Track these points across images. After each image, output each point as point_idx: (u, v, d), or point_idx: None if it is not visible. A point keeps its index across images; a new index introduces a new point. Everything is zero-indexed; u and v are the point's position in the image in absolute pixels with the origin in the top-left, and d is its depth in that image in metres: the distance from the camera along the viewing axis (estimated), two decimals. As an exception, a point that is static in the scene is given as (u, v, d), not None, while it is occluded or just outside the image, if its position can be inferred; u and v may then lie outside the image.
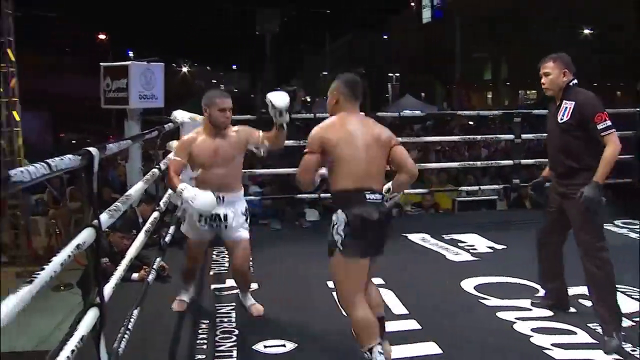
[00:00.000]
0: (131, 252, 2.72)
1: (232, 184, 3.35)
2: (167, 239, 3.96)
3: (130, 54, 39.16)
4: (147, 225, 3.20)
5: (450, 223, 6.07)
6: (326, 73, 50.66)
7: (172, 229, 4.20)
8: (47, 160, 1.53)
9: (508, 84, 34.93)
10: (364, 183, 2.58)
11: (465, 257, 4.77)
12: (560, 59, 3.32)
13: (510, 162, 6.50)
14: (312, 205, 6.78)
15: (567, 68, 3.30)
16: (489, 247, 5.05)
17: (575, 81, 3.31)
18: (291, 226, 5.93)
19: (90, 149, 1.90)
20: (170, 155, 3.47)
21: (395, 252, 4.91)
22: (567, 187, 3.26)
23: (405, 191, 6.94)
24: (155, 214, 3.49)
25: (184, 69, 48.58)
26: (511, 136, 6.40)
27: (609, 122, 3.15)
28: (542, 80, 3.35)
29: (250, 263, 3.70)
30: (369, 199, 2.56)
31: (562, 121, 3.25)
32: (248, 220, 3.43)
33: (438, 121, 19.59)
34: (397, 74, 50.22)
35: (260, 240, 5.08)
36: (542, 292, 3.69)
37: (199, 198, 3.07)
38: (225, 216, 3.32)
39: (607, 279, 3.14)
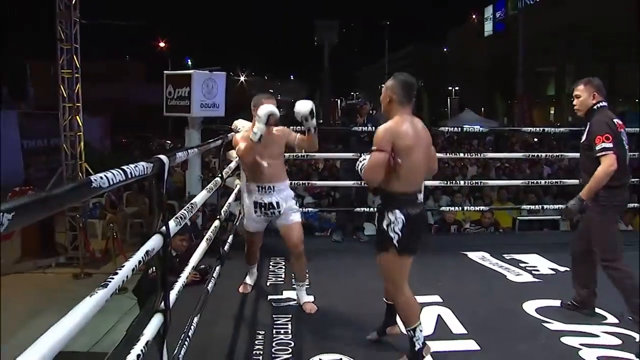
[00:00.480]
0: (194, 260, 2.79)
1: (279, 174, 3.80)
2: (226, 247, 4.04)
3: (189, 61, 40.24)
4: (209, 233, 3.27)
5: (510, 242, 5.94)
6: (384, 85, 50.90)
7: (230, 238, 4.28)
8: (123, 167, 1.59)
9: (572, 99, 34.12)
10: (418, 186, 2.87)
11: (527, 278, 4.66)
12: (591, 82, 3.64)
13: (575, 181, 6.28)
14: (370, 219, 6.78)
15: (597, 91, 3.61)
16: (552, 269, 4.92)
17: (603, 104, 3.60)
18: (351, 239, 5.94)
19: (161, 156, 1.96)
20: (237, 136, 3.86)
21: (453, 270, 4.90)
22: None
23: (465, 208, 6.88)
24: (216, 223, 3.57)
25: (242, 78, 49.61)
26: (577, 154, 6.22)
27: (606, 144, 3.45)
28: (574, 102, 3.69)
29: (307, 271, 3.94)
30: (419, 199, 2.85)
31: (582, 141, 3.63)
32: (297, 205, 3.87)
33: (498, 137, 19.22)
34: (457, 88, 49.70)
35: (320, 251, 5.12)
36: (610, 318, 3.66)
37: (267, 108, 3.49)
38: (278, 203, 3.76)
39: (625, 284, 3.47)
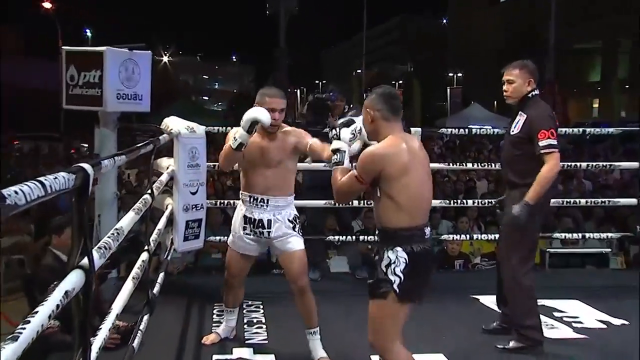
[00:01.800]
0: (116, 310, 2.81)
1: (279, 186, 4.06)
2: (156, 289, 4.07)
3: (88, 33, 39.38)
4: (135, 270, 3.30)
5: (539, 283, 6.03)
6: (360, 71, 51.24)
7: (161, 276, 4.31)
8: (41, 179, 1.64)
9: (627, 87, 34.17)
10: (423, 218, 3.14)
11: (565, 332, 4.77)
12: (526, 67, 4.26)
13: (632, 201, 6.40)
14: (341, 250, 6.88)
15: (532, 77, 4.25)
16: (601, 321, 5.04)
17: (536, 92, 4.30)
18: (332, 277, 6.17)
19: (84, 165, 2.01)
20: (231, 132, 4.15)
21: (461, 320, 5.03)
22: (506, 200, 4.35)
23: (474, 236, 7.02)
24: (144, 256, 3.60)
25: (165, 59, 49.02)
26: (634, 164, 6.37)
27: (552, 141, 4.08)
28: (505, 87, 4.30)
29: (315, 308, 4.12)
30: (427, 234, 3.12)
31: (513, 133, 4.25)
32: (297, 229, 4.10)
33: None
34: (460, 74, 50.38)
35: (282, 297, 5.17)
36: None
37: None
38: (270, 222, 4.04)
39: (525, 302, 4.27)
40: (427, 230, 3.14)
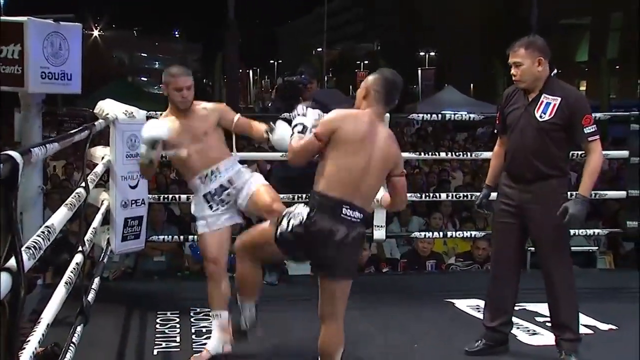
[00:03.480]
0: (48, 317, 2.80)
1: (217, 153, 4.37)
2: (91, 297, 4.05)
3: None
4: (68, 274, 3.29)
5: (519, 285, 6.18)
6: (321, 50, 51.13)
7: (96, 282, 4.29)
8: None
9: (617, 67, 34.60)
10: (347, 195, 3.45)
11: (548, 338, 4.79)
12: (532, 45, 4.20)
13: (621, 193, 6.46)
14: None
15: (541, 55, 4.18)
16: (588, 327, 5.07)
17: (555, 71, 4.29)
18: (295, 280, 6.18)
19: (12, 153, 2.00)
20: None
21: (434, 324, 5.12)
22: (533, 195, 4.23)
23: (449, 234, 7.10)
24: (78, 258, 3.58)
25: (95, 33, 48.30)
26: (624, 153, 6.40)
27: (595, 127, 4.16)
28: (512, 72, 4.26)
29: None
30: (344, 214, 3.44)
31: (543, 119, 4.16)
32: (249, 169, 4.49)
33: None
34: (433, 52, 50.61)
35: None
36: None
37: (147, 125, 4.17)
38: (230, 180, 4.34)
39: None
40: (347, 210, 3.44)
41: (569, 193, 4.35)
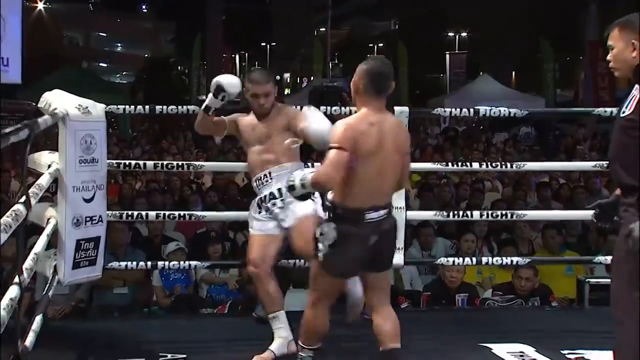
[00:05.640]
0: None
1: (277, 159, 5.21)
2: (29, 341, 4.02)
3: None
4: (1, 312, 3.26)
5: (576, 326, 6.16)
6: (325, 30, 50.87)
7: (38, 321, 4.26)
8: None
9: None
10: (369, 201, 4.27)
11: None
12: (629, 25, 4.06)
13: None
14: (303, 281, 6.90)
15: (638, 38, 3.99)
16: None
17: None
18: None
19: None
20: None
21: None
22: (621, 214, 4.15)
23: (484, 261, 7.05)
24: (13, 292, 3.55)
25: (40, 5, 48.00)
26: None
27: None
28: (608, 57, 4.18)
29: None
30: (368, 219, 4.26)
31: (624, 115, 4.03)
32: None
33: (545, 128, 19.70)
34: (465, 33, 50.31)
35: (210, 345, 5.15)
36: None
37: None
38: (280, 190, 5.14)
39: None
40: (374, 213, 4.29)
41: None
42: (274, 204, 5.21)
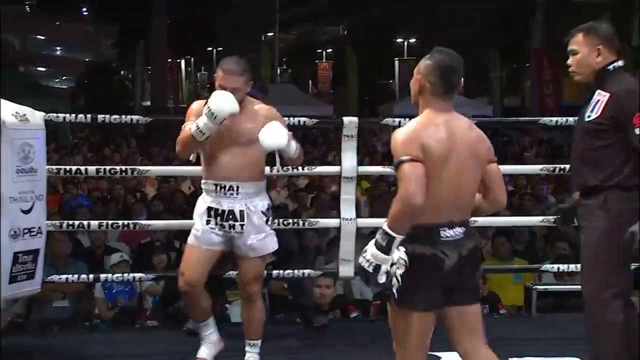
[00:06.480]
0: None
1: (249, 169, 4.87)
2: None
3: None
4: None
5: (522, 334, 6.21)
6: (273, 34, 50.94)
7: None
8: None
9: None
10: (443, 217, 3.71)
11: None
12: (593, 30, 4.35)
13: None
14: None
15: (602, 44, 4.33)
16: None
17: (619, 63, 4.39)
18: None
19: None
20: (194, 105, 5.05)
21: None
22: (581, 212, 4.43)
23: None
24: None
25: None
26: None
27: None
28: (569, 61, 4.44)
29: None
30: (444, 236, 3.69)
31: (589, 118, 4.30)
32: (270, 223, 4.99)
33: (493, 134, 19.84)
34: (414, 39, 50.66)
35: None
36: None
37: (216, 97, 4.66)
38: (242, 213, 4.85)
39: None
40: (447, 231, 3.70)
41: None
42: (232, 226, 4.90)
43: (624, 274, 4.35)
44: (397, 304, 3.74)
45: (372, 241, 3.63)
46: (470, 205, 3.85)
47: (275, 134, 4.69)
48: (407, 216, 3.55)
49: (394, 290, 3.69)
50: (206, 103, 4.76)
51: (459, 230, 3.74)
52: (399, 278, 3.64)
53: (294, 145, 4.83)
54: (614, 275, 4.30)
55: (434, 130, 3.67)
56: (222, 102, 4.63)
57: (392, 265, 3.62)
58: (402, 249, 3.62)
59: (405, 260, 3.63)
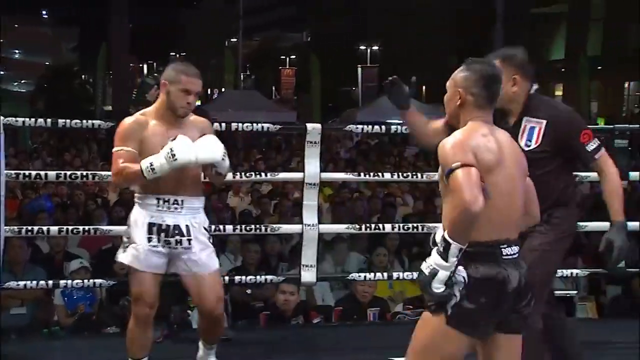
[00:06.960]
0: None
1: (193, 184, 4.69)
2: None
3: None
4: None
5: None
6: (236, 40, 50.86)
7: None
8: None
9: (600, 68, 35.35)
10: (502, 232, 3.51)
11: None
12: (508, 59, 4.38)
13: (604, 224, 6.41)
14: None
15: (518, 72, 4.38)
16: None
17: (536, 86, 4.54)
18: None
19: None
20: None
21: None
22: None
23: (395, 275, 7.09)
24: None
25: None
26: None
27: (597, 141, 4.31)
28: None
29: None
30: (506, 254, 3.47)
31: (529, 148, 4.29)
32: (211, 241, 4.79)
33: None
34: (376, 47, 50.78)
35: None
36: None
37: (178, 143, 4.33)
38: (188, 228, 4.63)
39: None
40: (507, 249, 3.48)
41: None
42: (178, 242, 4.62)
43: (552, 282, 4.55)
44: (448, 322, 3.47)
45: (435, 248, 3.49)
46: (520, 220, 3.66)
47: (210, 148, 4.50)
48: (468, 223, 3.37)
49: (449, 307, 3.45)
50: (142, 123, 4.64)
51: (515, 249, 3.55)
52: (457, 295, 3.42)
53: (227, 162, 4.66)
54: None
55: (483, 140, 3.50)
56: (187, 149, 4.34)
57: (450, 278, 3.40)
58: (461, 268, 3.41)
59: (464, 278, 3.41)
